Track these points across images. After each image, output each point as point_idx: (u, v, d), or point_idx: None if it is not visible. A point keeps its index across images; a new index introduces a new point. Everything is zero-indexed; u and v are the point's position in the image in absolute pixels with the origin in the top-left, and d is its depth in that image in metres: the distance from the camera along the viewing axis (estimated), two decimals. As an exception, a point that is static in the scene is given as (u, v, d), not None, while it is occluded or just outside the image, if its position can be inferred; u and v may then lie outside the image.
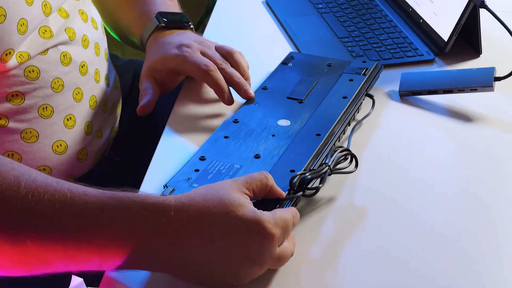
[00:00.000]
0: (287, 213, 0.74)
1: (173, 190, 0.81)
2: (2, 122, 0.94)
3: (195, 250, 0.70)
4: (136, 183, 0.89)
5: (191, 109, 1.04)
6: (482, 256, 0.79)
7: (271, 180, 0.77)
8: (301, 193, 0.81)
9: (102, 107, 1.06)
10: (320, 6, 1.34)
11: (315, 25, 1.28)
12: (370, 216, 0.85)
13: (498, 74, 1.04)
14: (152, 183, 0.87)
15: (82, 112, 1.02)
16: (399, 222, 0.84)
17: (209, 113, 1.03)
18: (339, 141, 0.95)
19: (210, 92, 1.06)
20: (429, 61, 1.17)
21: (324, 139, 0.91)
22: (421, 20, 1.23)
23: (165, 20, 1.08)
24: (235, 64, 1.03)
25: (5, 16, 0.89)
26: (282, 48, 1.22)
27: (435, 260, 0.78)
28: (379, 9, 1.32)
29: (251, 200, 0.74)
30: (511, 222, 0.85)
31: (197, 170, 0.85)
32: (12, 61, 0.92)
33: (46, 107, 0.97)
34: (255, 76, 1.09)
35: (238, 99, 1.02)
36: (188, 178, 0.83)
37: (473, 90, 1.04)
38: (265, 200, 0.78)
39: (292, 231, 0.76)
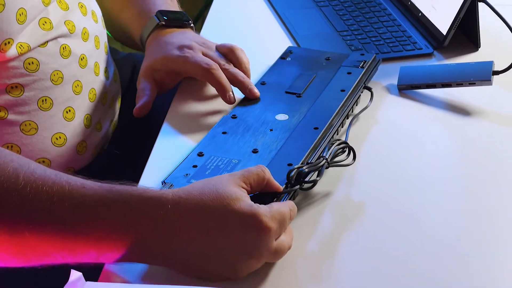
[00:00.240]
0: (284, 206, 0.75)
1: (171, 186, 0.81)
2: (2, 114, 0.95)
3: (192, 243, 0.70)
4: (135, 176, 0.90)
5: (190, 105, 1.04)
6: (480, 251, 0.79)
7: (268, 174, 0.77)
8: (298, 186, 0.81)
9: (102, 100, 1.06)
10: (319, -1, 1.34)
11: (314, 19, 1.28)
12: (367, 211, 0.85)
13: (497, 67, 1.04)
14: (150, 180, 0.87)
15: (82, 104, 1.02)
16: (397, 216, 0.84)
17: (208, 109, 1.03)
18: (337, 134, 0.96)
19: (208, 88, 1.06)
20: (428, 55, 1.17)
21: (321, 132, 0.91)
22: (419, 14, 1.24)
23: (165, 18, 1.08)
24: (237, 61, 1.03)
25: (4, 5, 0.89)
26: (281, 42, 1.23)
27: (433, 255, 0.78)
28: (378, 2, 1.32)
29: (248, 194, 0.75)
30: (510, 216, 0.85)
31: (195, 166, 0.85)
32: (12, 51, 0.92)
33: (46, 99, 0.97)
34: (254, 70, 1.09)
35: (237, 94, 1.02)
36: (186, 174, 0.83)
37: (472, 84, 1.04)
38: (263, 194, 0.78)
39: (290, 224, 0.77)
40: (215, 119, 0.99)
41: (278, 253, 0.74)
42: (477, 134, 0.99)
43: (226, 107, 1.02)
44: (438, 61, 1.16)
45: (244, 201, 0.72)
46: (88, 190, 0.70)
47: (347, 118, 0.99)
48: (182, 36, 1.06)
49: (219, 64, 1.01)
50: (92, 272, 0.73)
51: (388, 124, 1.01)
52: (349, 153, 0.89)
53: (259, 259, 0.72)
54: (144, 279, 0.74)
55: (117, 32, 1.22)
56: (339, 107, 0.97)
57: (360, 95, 1.03)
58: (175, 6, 1.15)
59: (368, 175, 0.91)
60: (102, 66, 1.07)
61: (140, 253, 0.71)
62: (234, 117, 0.95)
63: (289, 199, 0.81)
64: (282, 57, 1.11)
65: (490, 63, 1.03)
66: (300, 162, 0.85)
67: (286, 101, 0.99)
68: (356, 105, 1.02)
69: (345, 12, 1.29)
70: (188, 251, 0.70)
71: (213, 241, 0.70)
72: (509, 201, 0.87)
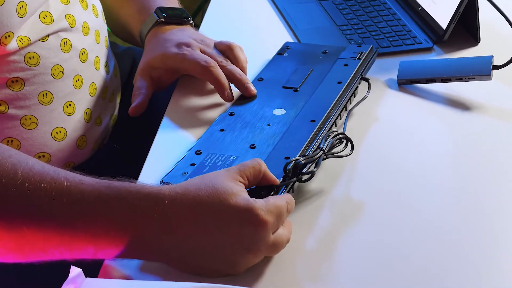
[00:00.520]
0: (281, 199, 0.75)
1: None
2: (2, 108, 0.95)
3: (189, 239, 0.70)
4: (134, 170, 0.90)
5: (189, 101, 1.04)
6: (479, 247, 0.79)
7: (264, 166, 0.77)
8: (295, 178, 0.82)
9: (102, 95, 1.07)
10: (319, -7, 1.34)
11: (313, 13, 1.28)
12: (366, 207, 0.85)
13: (497, 62, 1.04)
14: (149, 178, 0.87)
15: (82, 99, 1.02)
16: (395, 212, 0.84)
17: (206, 106, 1.03)
18: (335, 126, 0.96)
19: (207, 85, 1.06)
20: (428, 49, 1.17)
21: (318, 124, 0.91)
22: (419, 8, 1.24)
23: (165, 15, 1.08)
24: (235, 59, 1.03)
25: None
26: (280, 36, 1.23)
27: (432, 251, 0.79)
28: (378, -4, 1.32)
29: (246, 187, 0.75)
30: (509, 212, 0.85)
31: (193, 164, 0.85)
32: (12, 45, 0.92)
33: (46, 93, 0.97)
34: (254, 64, 1.09)
35: (234, 91, 1.02)
36: (184, 173, 0.84)
37: (471, 78, 1.04)
38: (260, 187, 0.78)
39: (288, 218, 0.77)
40: (214, 115, 0.99)
41: (276, 246, 0.74)
42: (476, 129, 0.99)
43: (225, 103, 1.02)
44: (438, 56, 1.16)
45: (241, 195, 0.72)
46: (86, 186, 0.70)
47: (345, 110, 0.99)
48: (181, 33, 1.06)
49: (217, 61, 1.01)
50: (92, 267, 0.74)
51: (388, 119, 1.01)
52: (346, 144, 0.89)
53: (256, 254, 0.73)
54: (145, 276, 0.75)
55: (117, 28, 1.22)
56: (336, 99, 0.97)
57: (357, 86, 1.03)
58: (174, 3, 1.15)
59: (367, 171, 0.91)
60: (102, 61, 1.07)
61: (138, 249, 0.71)
62: (231, 114, 0.96)
63: (287, 192, 0.81)
64: (279, 53, 1.11)
65: (490, 58, 1.03)
66: (298, 155, 0.86)
67: (284, 96, 0.99)
68: (354, 97, 1.02)
69: (345, 6, 1.29)
70: (185, 247, 0.71)
71: (210, 236, 0.71)
72: (509, 196, 0.87)
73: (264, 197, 0.75)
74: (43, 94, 0.97)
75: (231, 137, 0.91)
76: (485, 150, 0.95)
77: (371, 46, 1.09)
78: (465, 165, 0.94)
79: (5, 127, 0.96)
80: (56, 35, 0.97)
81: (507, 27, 1.07)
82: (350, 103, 1.01)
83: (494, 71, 1.03)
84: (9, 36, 0.91)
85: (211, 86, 1.06)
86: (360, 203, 0.86)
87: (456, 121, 1.01)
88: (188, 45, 1.03)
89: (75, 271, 0.68)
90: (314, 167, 0.83)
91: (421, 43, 1.18)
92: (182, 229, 0.70)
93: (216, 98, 1.02)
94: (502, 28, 1.12)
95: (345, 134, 0.88)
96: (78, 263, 0.71)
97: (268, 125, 0.93)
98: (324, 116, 0.93)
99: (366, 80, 1.03)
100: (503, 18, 1.07)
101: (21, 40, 0.93)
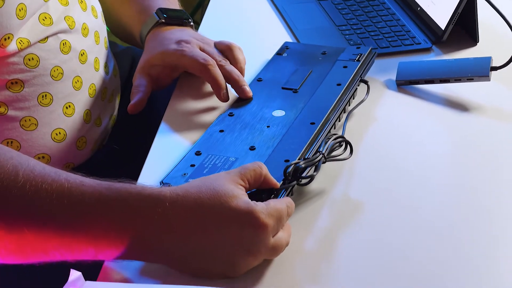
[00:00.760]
0: (281, 203, 0.75)
1: (169, 186, 0.81)
2: (2, 110, 0.95)
3: (189, 240, 0.71)
4: (134, 171, 0.91)
5: (187, 104, 1.04)
6: (479, 248, 0.80)
7: (265, 170, 0.78)
8: (295, 182, 0.82)
9: (101, 95, 1.07)
10: (318, -7, 1.35)
11: (313, 13, 1.29)
12: (365, 208, 0.85)
13: (495, 62, 1.05)
14: (149, 179, 0.87)
15: (81, 100, 1.02)
16: (395, 213, 0.85)
17: (205, 107, 1.03)
18: (334, 129, 0.96)
19: (206, 86, 1.07)
20: (427, 50, 1.18)
21: (318, 127, 0.92)
22: (418, 8, 1.24)
23: (165, 16, 1.08)
24: (233, 60, 1.03)
25: (3, 0, 0.90)
26: (279, 36, 1.23)
27: (431, 252, 0.79)
28: (378, -4, 1.33)
29: (246, 190, 0.75)
30: (508, 212, 0.86)
31: (193, 165, 0.85)
32: (12, 46, 0.93)
33: (46, 95, 0.98)
34: (253, 64, 1.09)
35: (234, 91, 1.02)
36: (184, 174, 0.84)
37: (470, 79, 1.04)
38: (260, 190, 0.79)
39: (287, 221, 0.77)
40: (213, 116, 0.99)
41: (276, 249, 0.74)
42: (475, 130, 1.00)
43: (224, 104, 1.02)
44: (436, 56, 1.16)
45: (241, 198, 0.72)
46: (87, 188, 0.71)
47: (344, 112, 0.99)
48: (180, 32, 1.06)
49: (216, 60, 1.01)
50: (92, 269, 0.74)
51: (386, 120, 1.02)
52: (346, 147, 0.89)
53: (256, 256, 0.73)
54: (144, 279, 0.75)
55: (116, 29, 1.22)
56: (336, 101, 0.97)
57: (356, 88, 1.03)
58: (175, 4, 1.16)
59: (366, 172, 0.91)
60: (102, 62, 1.07)
61: (138, 251, 0.71)
62: (231, 115, 0.96)
63: (287, 195, 0.81)
64: (279, 53, 1.11)
65: (488, 59, 1.04)
66: (297, 158, 0.86)
67: (283, 97, 0.99)
68: (353, 99, 1.03)
69: (344, 6, 1.29)
70: (185, 248, 0.71)
71: (210, 238, 0.71)
72: (507, 196, 0.88)
73: (265, 200, 0.75)
74: (43, 96, 0.97)
75: (230, 138, 0.91)
76: (483, 150, 0.96)
77: (370, 47, 1.09)
78: (464, 165, 0.94)
79: (5, 128, 0.96)
80: (55, 36, 0.97)
81: (505, 28, 1.08)
82: (349, 105, 1.01)
83: (492, 72, 1.04)
84: (8, 38, 0.91)
85: (209, 88, 1.06)
86: (359, 204, 0.86)
87: (455, 122, 1.01)
88: (187, 42, 1.03)
89: (74, 274, 0.68)
90: (314, 171, 0.83)
91: (420, 43, 1.18)
92: (183, 231, 0.71)
93: (215, 98, 1.03)
94: (500, 29, 1.13)
95: (344, 138, 0.89)
96: (78, 264, 0.71)
97: (268, 126, 0.93)
98: (324, 119, 0.93)
99: (365, 82, 1.03)
100: (501, 18, 1.07)
101: (20, 42, 0.93)
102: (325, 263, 0.78)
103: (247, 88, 1.00)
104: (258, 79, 1.04)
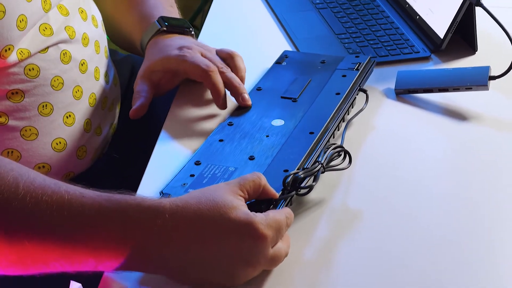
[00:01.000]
0: (280, 214, 0.76)
1: (169, 196, 0.82)
2: (2, 120, 0.96)
3: (189, 252, 0.71)
4: (134, 180, 0.91)
5: (187, 112, 1.05)
6: (478, 257, 0.80)
7: (264, 180, 0.78)
8: (294, 192, 0.82)
9: (102, 104, 1.07)
10: (317, 1, 1.35)
11: (312, 22, 1.29)
12: (364, 217, 0.86)
13: (494, 71, 1.05)
14: (149, 188, 0.88)
15: (82, 109, 1.03)
16: (394, 222, 0.85)
17: (205, 115, 1.03)
18: (333, 138, 0.97)
19: (206, 94, 1.07)
20: (425, 58, 1.18)
21: (317, 137, 0.92)
22: (417, 17, 1.24)
23: (167, 24, 1.09)
24: (235, 68, 1.04)
25: (4, 12, 0.90)
26: (279, 44, 1.23)
27: (430, 262, 0.79)
28: (376, 4, 1.33)
29: (245, 201, 0.76)
30: (506, 221, 0.86)
31: (192, 175, 0.86)
32: (12, 57, 0.93)
33: (46, 105, 0.98)
34: (252, 73, 1.10)
35: (234, 100, 1.02)
36: (184, 184, 0.84)
37: (468, 89, 1.05)
38: (260, 201, 0.79)
39: (287, 231, 0.78)
40: (213, 124, 1.00)
41: (275, 260, 0.75)
42: (473, 139, 1.00)
43: (223, 113, 1.02)
44: (435, 65, 1.17)
45: (241, 209, 0.73)
46: (87, 199, 0.71)
47: (343, 121, 1.00)
48: (182, 40, 1.07)
49: (217, 67, 1.02)
50: (92, 280, 0.74)
51: (385, 129, 1.02)
52: (344, 157, 0.90)
53: (256, 267, 0.73)
54: (142, 285, 0.75)
55: (117, 37, 1.22)
56: (334, 110, 0.97)
57: (355, 97, 1.03)
58: (176, 13, 1.16)
59: (365, 181, 0.92)
60: (102, 71, 1.08)
61: (138, 262, 0.72)
62: (230, 124, 0.96)
63: (286, 205, 0.82)
64: (278, 62, 1.11)
65: (487, 68, 1.04)
66: (296, 168, 0.86)
67: (282, 106, 1.00)
68: (352, 108, 1.03)
69: (343, 15, 1.30)
70: (185, 259, 0.71)
71: (210, 249, 0.71)
72: (506, 206, 0.88)
73: (264, 211, 0.75)
74: (43, 106, 0.98)
75: (230, 148, 0.91)
76: (482, 159, 0.96)
77: (369, 56, 1.09)
78: (462, 174, 0.95)
79: (5, 138, 0.96)
80: (55, 46, 0.98)
81: (504, 37, 1.08)
82: (348, 114, 1.01)
83: (491, 81, 1.04)
84: (9, 49, 0.92)
85: (210, 96, 1.06)
86: (358, 213, 0.86)
87: (453, 131, 1.02)
88: (189, 48, 1.03)
89: (74, 285, 0.69)
90: (313, 181, 0.84)
91: (419, 52, 1.19)
92: (182, 242, 0.71)
93: (215, 107, 1.03)
94: (499, 38, 1.13)
95: (343, 147, 0.89)
96: (78, 275, 0.72)
97: (267, 136, 0.93)
98: (323, 128, 0.93)
99: (364, 91, 1.04)
100: (500, 28, 1.08)
101: (21, 52, 0.93)
102: (324, 273, 0.78)
103: (247, 96, 1.00)
104: (257, 88, 1.05)
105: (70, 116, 1.01)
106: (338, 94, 1.01)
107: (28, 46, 0.94)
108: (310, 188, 0.84)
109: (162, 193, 0.84)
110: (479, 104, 1.06)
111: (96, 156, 1.08)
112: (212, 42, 1.12)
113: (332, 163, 0.88)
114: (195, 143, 0.97)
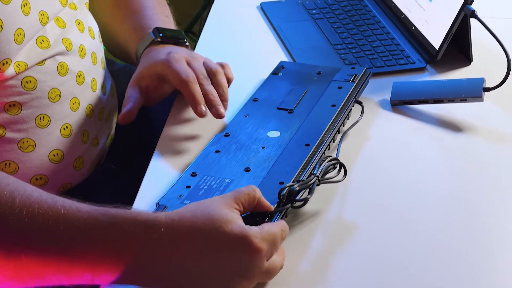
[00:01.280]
0: (275, 227, 0.76)
1: (165, 208, 0.83)
2: (0, 132, 0.96)
3: (184, 265, 0.72)
4: (130, 192, 0.92)
5: (184, 123, 1.05)
6: (475, 270, 0.81)
7: (258, 193, 0.79)
8: (289, 205, 0.83)
9: (98, 115, 1.08)
10: (314, 12, 1.35)
11: (308, 32, 1.30)
12: (359, 229, 0.86)
13: (489, 82, 1.06)
14: (145, 201, 0.88)
15: (79, 121, 1.03)
16: (389, 234, 0.86)
17: (202, 126, 1.04)
18: (328, 150, 0.97)
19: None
20: (421, 69, 1.19)
21: (312, 149, 0.92)
22: (413, 27, 1.25)
23: (161, 35, 1.10)
24: (216, 85, 1.04)
25: (1, 26, 0.91)
26: (275, 55, 1.24)
27: (427, 271, 0.80)
28: (372, 15, 1.33)
29: (240, 214, 0.76)
30: (502, 234, 0.87)
31: (188, 187, 0.86)
32: (10, 71, 0.94)
33: (43, 116, 0.99)
34: (248, 83, 1.11)
35: (231, 111, 1.03)
36: (180, 195, 0.85)
37: (463, 100, 1.05)
38: (255, 213, 0.79)
39: (282, 244, 0.78)
40: (210, 135, 1.00)
41: (270, 273, 0.75)
42: (468, 150, 1.01)
43: (220, 124, 1.02)
44: (430, 75, 1.17)
45: (236, 223, 0.73)
46: (82, 214, 0.72)
47: (339, 133, 1.00)
48: (173, 48, 1.07)
49: (198, 78, 1.02)
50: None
51: (381, 140, 1.02)
52: (340, 169, 0.90)
53: (251, 280, 0.74)
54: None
55: (113, 47, 1.23)
56: (330, 122, 0.98)
57: (351, 109, 1.04)
58: (171, 24, 1.17)
59: (360, 193, 0.92)
60: (99, 82, 1.08)
61: (134, 276, 0.72)
62: (227, 135, 0.97)
63: (281, 218, 0.82)
64: (274, 73, 1.12)
65: (481, 80, 1.05)
66: (292, 180, 0.87)
67: (278, 118, 1.00)
68: (348, 119, 1.04)
69: (340, 25, 1.30)
70: (181, 273, 0.72)
71: (205, 263, 0.72)
72: (502, 217, 0.89)
73: (259, 224, 0.76)
74: (40, 118, 0.98)
75: (226, 159, 0.92)
76: (477, 170, 0.97)
77: (365, 68, 1.10)
78: (457, 185, 0.95)
79: (3, 150, 0.97)
80: (52, 59, 0.98)
81: (498, 47, 1.09)
82: (344, 126, 1.02)
83: (485, 92, 1.05)
84: (6, 62, 0.92)
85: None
86: (353, 225, 0.87)
87: (449, 142, 1.03)
88: (176, 53, 1.04)
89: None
90: (308, 194, 0.84)
91: (414, 62, 1.19)
92: (178, 256, 0.72)
93: (212, 117, 1.03)
94: (494, 48, 1.14)
95: (338, 160, 0.90)
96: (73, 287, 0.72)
97: (263, 147, 0.94)
98: (318, 141, 0.94)
99: (360, 103, 1.04)
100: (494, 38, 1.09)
101: (18, 65, 0.94)
102: (320, 285, 0.79)
103: (221, 109, 1.00)
104: (254, 99, 1.05)
105: (67, 127, 1.02)
106: (333, 106, 1.01)
107: (25, 59, 0.95)
108: (305, 201, 0.84)
109: (158, 205, 0.84)
110: (474, 115, 1.07)
111: (93, 167, 1.08)
112: (209, 51, 1.13)
113: (328, 175, 0.89)
114: (192, 154, 0.97)
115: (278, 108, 1.02)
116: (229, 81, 1.06)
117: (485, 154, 1.00)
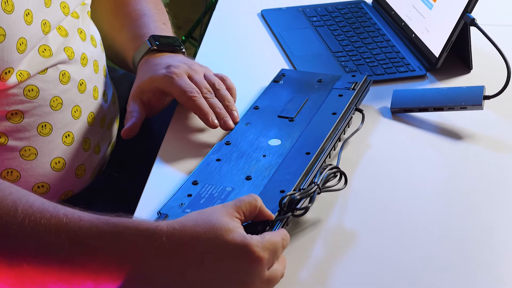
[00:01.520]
0: (276, 236, 0.77)
1: (167, 216, 0.83)
2: (2, 140, 0.97)
3: (186, 274, 0.72)
4: (132, 199, 0.92)
5: (185, 131, 1.06)
6: (476, 275, 0.81)
7: (259, 202, 0.79)
8: (290, 213, 0.83)
9: (100, 123, 1.08)
10: (314, 19, 1.36)
11: (309, 40, 1.30)
12: (360, 238, 0.86)
13: (488, 89, 1.06)
14: (146, 209, 0.89)
15: (80, 129, 1.04)
16: (390, 243, 0.86)
17: (203, 134, 1.04)
18: (329, 158, 0.97)
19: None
20: (421, 77, 1.19)
21: (313, 157, 0.93)
22: (413, 35, 1.25)
23: (157, 43, 1.10)
24: (220, 99, 1.04)
25: (4, 35, 0.91)
26: (276, 62, 1.24)
27: (427, 280, 0.80)
28: (373, 22, 1.34)
29: (242, 222, 0.77)
30: (502, 240, 0.87)
31: (189, 195, 0.87)
32: (12, 80, 0.94)
33: (45, 125, 0.99)
34: (249, 91, 1.11)
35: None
36: (181, 204, 0.85)
37: (463, 108, 1.06)
38: (256, 222, 0.80)
39: (283, 252, 0.78)
40: (211, 143, 1.01)
41: (271, 282, 0.76)
42: (468, 157, 1.01)
43: (220, 132, 1.03)
44: (431, 83, 1.18)
45: (237, 232, 0.74)
46: (85, 223, 0.72)
47: (339, 141, 1.01)
48: (171, 58, 1.08)
49: (201, 92, 1.02)
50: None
51: (381, 148, 1.03)
52: (340, 178, 0.91)
53: (251, 289, 0.74)
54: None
55: (112, 55, 1.23)
56: (331, 130, 0.98)
57: (351, 117, 1.04)
58: (168, 31, 1.17)
59: (360, 201, 0.93)
60: (100, 90, 1.09)
61: (136, 284, 0.72)
62: (228, 143, 0.97)
63: (282, 226, 0.83)
64: (275, 80, 1.12)
65: (481, 88, 1.05)
66: (292, 189, 0.87)
67: (279, 126, 1.01)
68: (348, 127, 1.04)
69: (340, 33, 1.31)
70: (182, 281, 0.72)
71: (206, 271, 0.72)
72: (502, 224, 0.89)
73: (260, 232, 0.77)
74: (42, 126, 0.99)
75: (227, 167, 0.92)
76: (477, 179, 0.97)
77: (366, 75, 1.10)
78: (458, 193, 0.96)
79: (5, 158, 0.97)
80: (55, 67, 0.99)
81: (498, 55, 1.09)
82: (344, 133, 1.02)
83: (485, 100, 1.05)
84: (9, 71, 0.93)
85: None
86: (354, 233, 0.87)
87: (449, 150, 1.03)
88: (176, 67, 1.04)
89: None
90: (309, 202, 0.85)
91: (415, 70, 1.20)
92: (179, 264, 0.72)
93: (210, 129, 1.03)
94: (493, 56, 1.14)
95: (339, 168, 0.90)
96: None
97: (264, 156, 0.94)
98: (319, 149, 0.94)
99: (360, 111, 1.05)
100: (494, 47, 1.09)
101: (20, 74, 0.94)
102: (320, 294, 0.79)
103: (229, 121, 1.01)
104: (255, 107, 1.06)
105: (69, 135, 1.02)
106: (334, 114, 1.02)
107: (28, 68, 0.95)
108: (306, 209, 0.85)
109: (159, 213, 0.85)
110: (474, 123, 1.07)
111: (95, 175, 1.09)
112: (210, 59, 1.13)
113: (328, 184, 0.89)
114: (193, 162, 0.98)
115: (279, 116, 1.03)
116: (232, 92, 1.06)
117: (485, 162, 1.00)
